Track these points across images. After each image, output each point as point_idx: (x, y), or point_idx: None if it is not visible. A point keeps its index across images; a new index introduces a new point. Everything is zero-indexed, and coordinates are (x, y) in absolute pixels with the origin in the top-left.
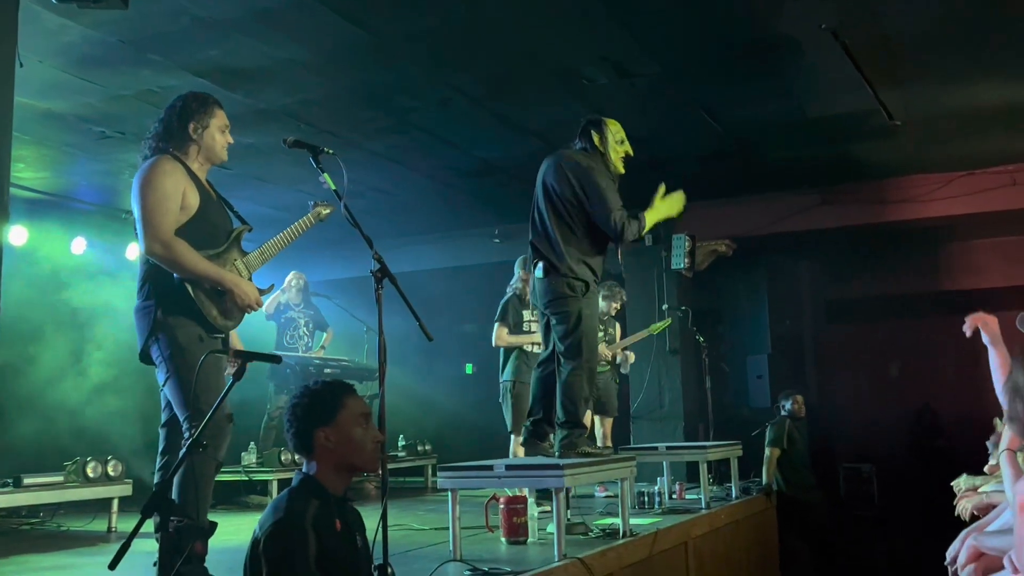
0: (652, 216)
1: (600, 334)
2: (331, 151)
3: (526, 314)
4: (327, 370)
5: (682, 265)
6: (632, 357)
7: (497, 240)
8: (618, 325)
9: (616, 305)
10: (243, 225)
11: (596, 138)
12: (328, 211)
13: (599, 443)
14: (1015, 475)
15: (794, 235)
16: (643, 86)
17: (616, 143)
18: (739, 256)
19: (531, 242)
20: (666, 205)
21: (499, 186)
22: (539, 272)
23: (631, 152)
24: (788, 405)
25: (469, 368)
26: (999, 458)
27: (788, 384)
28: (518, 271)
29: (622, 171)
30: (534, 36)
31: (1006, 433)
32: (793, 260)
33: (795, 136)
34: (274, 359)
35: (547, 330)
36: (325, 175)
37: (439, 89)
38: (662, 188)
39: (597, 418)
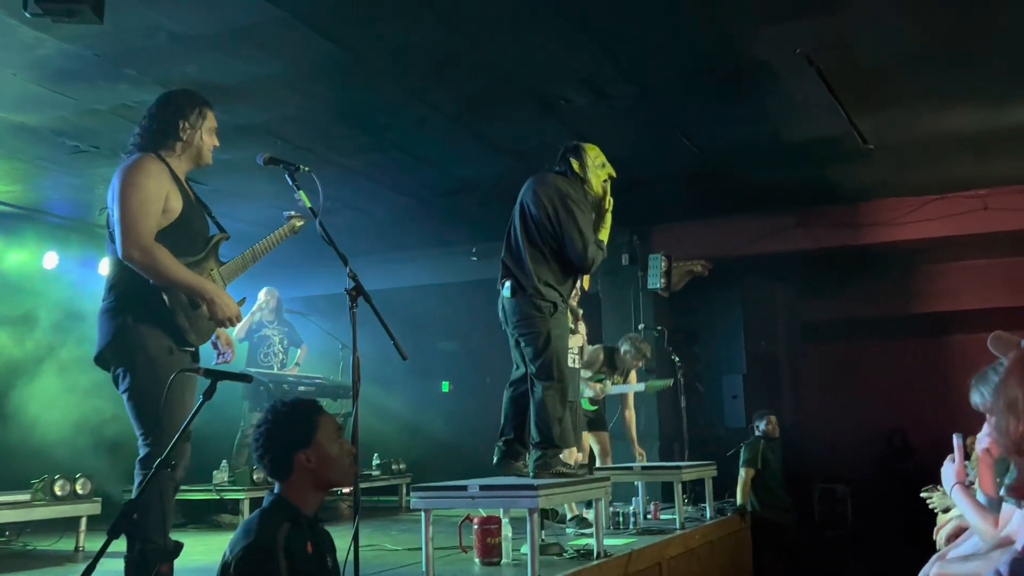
0: (605, 236)
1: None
2: (307, 168)
3: None
4: (301, 387)
5: (658, 285)
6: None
7: (475, 258)
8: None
9: (640, 363)
10: (221, 233)
11: (575, 164)
12: (302, 223)
13: (599, 462)
14: (975, 505)
15: (769, 256)
16: (621, 108)
17: (596, 167)
18: (715, 276)
19: (502, 259)
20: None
21: (477, 204)
22: (506, 291)
23: (614, 174)
24: (762, 425)
25: (445, 386)
26: (951, 492)
27: (763, 404)
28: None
29: (603, 191)
30: (512, 56)
31: (981, 445)
32: (769, 281)
33: (771, 159)
34: (244, 379)
35: (518, 351)
36: (300, 192)
37: (416, 107)
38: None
39: (592, 436)
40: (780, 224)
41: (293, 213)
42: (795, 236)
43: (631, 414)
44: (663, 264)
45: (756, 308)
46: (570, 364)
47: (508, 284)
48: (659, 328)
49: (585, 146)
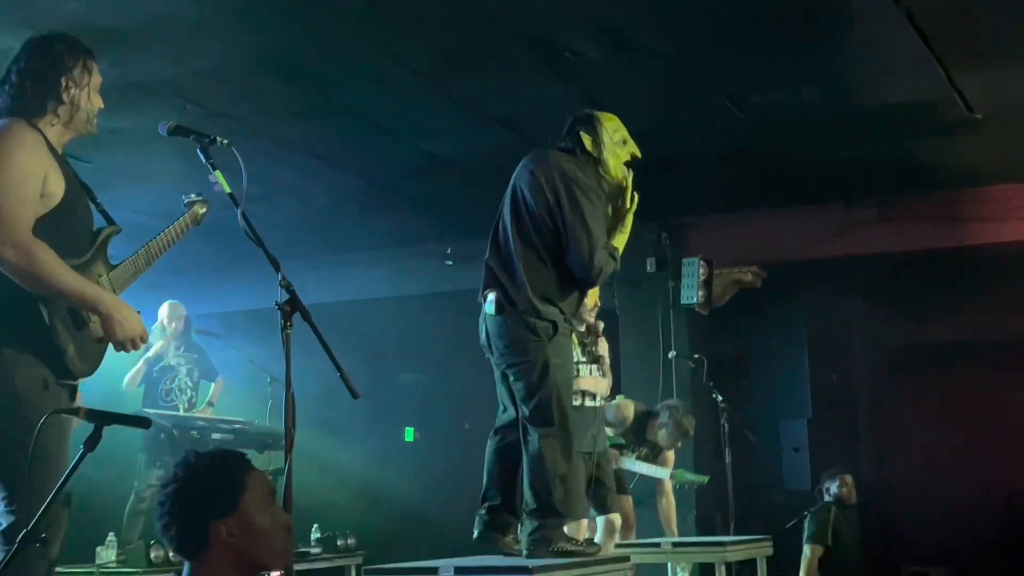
0: (622, 243)
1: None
2: (226, 141)
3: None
4: (216, 435)
5: (695, 300)
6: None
7: (450, 262)
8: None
9: (677, 445)
10: (111, 226)
11: (587, 140)
12: (205, 210)
13: (619, 535)
14: None
15: (843, 261)
16: (646, 63)
17: (616, 144)
18: (770, 288)
19: (486, 262)
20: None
21: (454, 190)
22: (490, 306)
23: (638, 153)
24: (834, 488)
25: (410, 433)
26: None
27: (834, 459)
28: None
29: (624, 178)
30: None
31: None
32: (842, 294)
33: (843, 131)
34: (141, 423)
35: (505, 387)
36: (217, 173)
37: (376, 60)
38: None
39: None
40: (857, 218)
41: (195, 197)
42: (876, 234)
43: (669, 502)
44: (701, 271)
45: (825, 330)
46: (588, 400)
47: (492, 297)
48: (696, 357)
49: (602, 116)
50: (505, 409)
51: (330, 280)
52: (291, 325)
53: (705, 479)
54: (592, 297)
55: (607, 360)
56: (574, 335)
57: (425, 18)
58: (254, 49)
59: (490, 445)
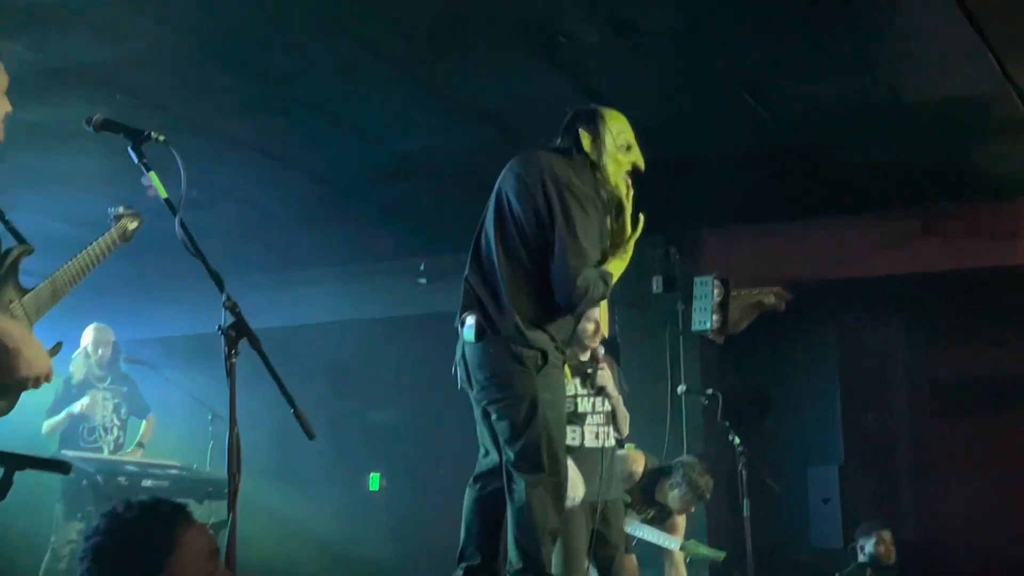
0: (619, 274)
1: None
2: (162, 138)
3: (569, 386)
4: (148, 482)
5: (709, 325)
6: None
7: (423, 280)
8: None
9: (691, 510)
10: (21, 246)
11: (587, 140)
12: (136, 225)
13: None
14: None
15: (881, 281)
16: (652, 49)
17: (618, 149)
18: (797, 312)
19: (465, 280)
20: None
21: (428, 195)
22: (469, 332)
23: (641, 164)
24: (869, 546)
25: (375, 481)
26: None
27: (870, 512)
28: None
29: (624, 191)
30: None
31: None
32: (879, 320)
33: (882, 131)
34: (59, 468)
35: (487, 427)
36: (151, 175)
37: (339, 45)
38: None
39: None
40: (897, 232)
41: (123, 209)
42: (920, 250)
43: (679, 574)
44: (716, 293)
45: (860, 362)
46: (591, 440)
47: (472, 321)
48: (710, 391)
49: (607, 114)
50: (487, 453)
51: (283, 301)
52: (236, 353)
53: (722, 555)
54: (594, 321)
55: (614, 392)
56: (573, 365)
57: None
58: (196, 31)
59: (469, 495)
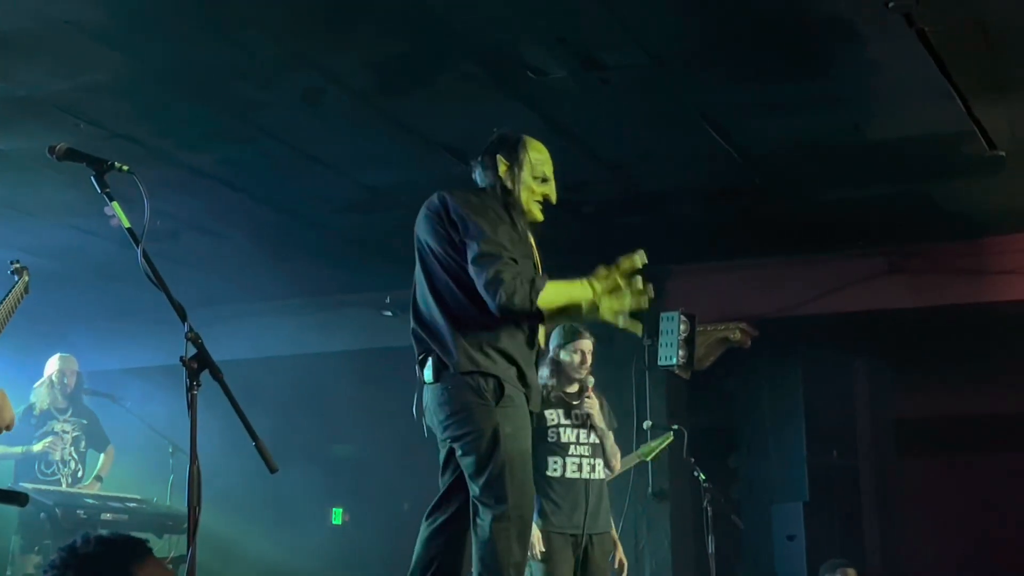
0: (565, 291)
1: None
2: (126, 167)
3: (552, 415)
4: (107, 515)
5: (675, 360)
6: None
7: (389, 312)
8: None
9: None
10: None
11: (502, 166)
12: (28, 278)
13: None
14: None
15: (846, 318)
16: (621, 85)
17: (534, 179)
18: (762, 348)
19: (412, 330)
20: (594, 293)
21: (394, 228)
22: (428, 373)
23: (552, 197)
24: None
25: (338, 515)
26: None
27: (835, 550)
28: (569, 345)
29: (538, 217)
30: None
31: None
32: (845, 356)
33: (848, 169)
34: (17, 500)
35: (448, 462)
36: (114, 204)
37: (304, 75)
38: (636, 259)
39: None
40: (863, 269)
41: (15, 262)
42: (885, 288)
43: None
44: (682, 328)
45: (825, 399)
46: (572, 470)
47: (431, 362)
48: (675, 427)
49: (529, 143)
50: (443, 489)
51: (246, 333)
52: (198, 385)
53: (669, 439)
54: (580, 352)
55: (601, 425)
56: (557, 396)
57: (362, 28)
58: (160, 60)
59: (422, 531)
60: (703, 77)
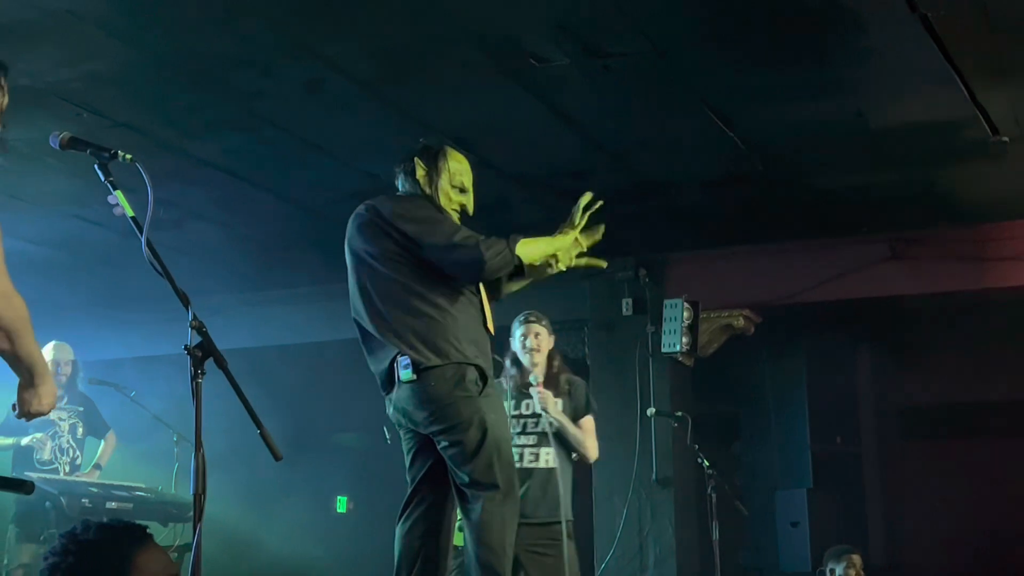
0: (537, 248)
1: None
2: (129, 156)
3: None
4: (111, 504)
5: (678, 348)
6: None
7: None
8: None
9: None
10: None
11: (420, 172)
12: None
13: None
14: None
15: (849, 305)
16: (622, 72)
17: (452, 188)
18: (765, 335)
19: (369, 337)
20: (568, 239)
21: None
22: (406, 372)
23: (470, 208)
24: (839, 570)
25: (343, 504)
26: None
27: (839, 536)
28: (518, 332)
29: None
30: None
31: None
32: (848, 343)
33: (851, 155)
34: (23, 488)
35: (415, 457)
36: (118, 193)
37: (306, 65)
38: (585, 198)
39: None
40: (866, 255)
41: None
42: (889, 275)
43: None
44: (686, 315)
45: (828, 385)
46: (525, 460)
47: (407, 361)
48: (679, 414)
49: (450, 152)
50: (412, 485)
51: (250, 321)
52: (203, 373)
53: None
54: (531, 337)
55: (558, 416)
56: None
57: (363, 15)
58: (161, 49)
59: (398, 530)
60: (705, 64)
